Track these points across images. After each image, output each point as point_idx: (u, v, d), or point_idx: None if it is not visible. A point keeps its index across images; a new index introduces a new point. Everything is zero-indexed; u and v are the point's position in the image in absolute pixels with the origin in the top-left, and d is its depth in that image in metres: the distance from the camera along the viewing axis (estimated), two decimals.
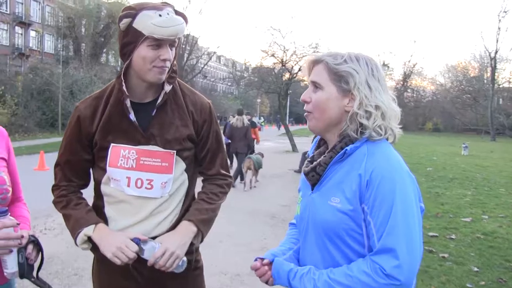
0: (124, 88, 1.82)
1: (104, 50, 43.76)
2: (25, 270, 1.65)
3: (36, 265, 1.72)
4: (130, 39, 1.76)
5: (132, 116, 1.85)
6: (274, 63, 24.61)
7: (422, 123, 70.82)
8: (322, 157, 1.59)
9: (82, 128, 1.90)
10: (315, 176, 1.58)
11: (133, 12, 1.75)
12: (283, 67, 24.02)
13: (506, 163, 19.84)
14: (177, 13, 1.81)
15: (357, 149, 1.52)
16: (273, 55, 23.89)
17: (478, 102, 56.79)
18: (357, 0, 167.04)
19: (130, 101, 1.86)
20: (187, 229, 1.88)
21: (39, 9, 42.52)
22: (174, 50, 1.83)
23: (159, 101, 1.87)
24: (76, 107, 1.94)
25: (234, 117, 12.49)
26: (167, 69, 1.82)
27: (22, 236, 1.62)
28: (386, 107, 1.52)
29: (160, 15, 1.73)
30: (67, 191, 1.95)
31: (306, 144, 22.15)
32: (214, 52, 51.62)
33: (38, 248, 1.70)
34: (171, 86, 1.89)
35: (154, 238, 1.84)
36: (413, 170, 1.47)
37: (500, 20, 50.26)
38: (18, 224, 1.61)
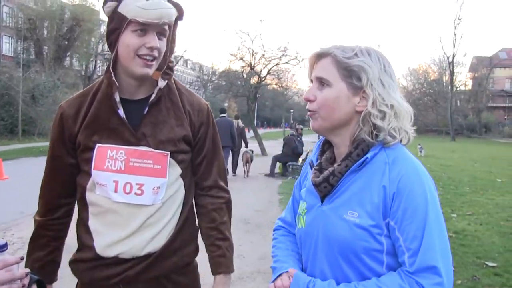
0: (113, 78, 1.66)
1: (68, 54, 42.74)
2: None
3: None
4: (115, 25, 1.62)
5: (121, 112, 1.69)
6: (243, 67, 24.65)
7: None
8: (335, 166, 1.42)
9: (65, 128, 1.74)
10: (327, 187, 1.41)
11: None
12: (252, 71, 24.06)
13: (467, 162, 20.54)
14: (170, 1, 1.66)
15: (376, 156, 1.37)
16: (242, 59, 23.91)
17: (438, 104, 58.60)
18: (321, 5, 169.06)
19: (120, 98, 1.70)
20: (226, 283, 1.84)
21: None
22: (166, 41, 1.67)
23: (152, 98, 1.71)
24: (60, 106, 1.79)
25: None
26: (154, 61, 1.64)
27: (26, 274, 1.33)
28: (400, 106, 1.38)
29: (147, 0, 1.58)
30: (47, 216, 1.79)
31: (275, 147, 22.13)
32: (181, 56, 51.34)
33: (42, 286, 1.44)
34: (166, 82, 1.73)
35: (149, 255, 1.69)
36: None
37: (455, 27, 51.68)
38: (22, 258, 1.36)
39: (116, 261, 1.67)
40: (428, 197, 1.30)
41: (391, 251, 1.33)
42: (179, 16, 1.71)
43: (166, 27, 1.65)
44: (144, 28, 1.59)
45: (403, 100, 1.41)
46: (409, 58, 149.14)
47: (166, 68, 1.74)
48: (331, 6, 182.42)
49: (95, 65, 48.49)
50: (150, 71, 1.65)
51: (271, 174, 14.25)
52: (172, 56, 1.79)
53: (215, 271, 1.83)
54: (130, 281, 1.67)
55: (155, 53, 1.63)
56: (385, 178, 1.32)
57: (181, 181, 1.77)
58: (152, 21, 1.57)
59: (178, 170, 1.76)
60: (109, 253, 1.68)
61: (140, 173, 1.68)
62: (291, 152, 14.45)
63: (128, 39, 1.60)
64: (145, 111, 1.72)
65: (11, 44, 41.89)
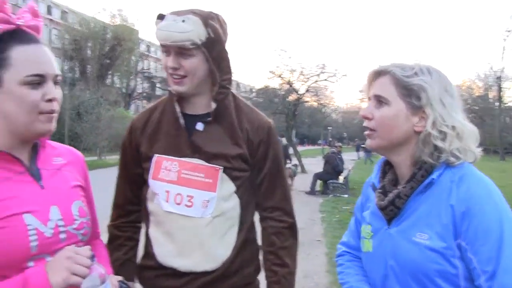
0: (172, 92, 1.75)
1: (110, 72, 44.15)
2: None
3: None
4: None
5: (182, 122, 1.73)
6: (281, 84, 24.62)
7: None
8: (400, 188, 1.38)
9: (133, 140, 1.84)
10: (394, 210, 1.37)
11: (164, 14, 1.69)
12: (290, 88, 24.01)
13: None
14: (209, 26, 1.63)
15: (441, 175, 1.32)
16: (280, 76, 23.88)
17: (484, 122, 56.41)
18: (361, 21, 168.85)
19: (182, 112, 1.75)
20: None
21: (46, 33, 42.96)
22: (195, 61, 1.65)
23: (209, 118, 1.73)
24: (132, 119, 1.91)
25: None
26: (185, 78, 1.66)
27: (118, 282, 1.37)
28: (463, 127, 1.34)
29: (174, 20, 1.62)
30: (120, 220, 1.89)
31: (314, 165, 21.89)
32: None
33: None
34: (217, 103, 1.73)
35: (207, 273, 1.68)
36: None
37: (504, 39, 49.80)
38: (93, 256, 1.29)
39: (176, 273, 1.70)
40: (502, 214, 1.24)
41: (467, 274, 1.26)
42: (216, 38, 1.66)
43: (191, 49, 1.63)
44: (166, 49, 1.66)
45: (467, 121, 1.39)
46: (451, 74, 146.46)
47: (220, 88, 1.72)
48: (369, 21, 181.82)
49: (135, 83, 49.73)
50: (181, 88, 1.68)
51: (312, 192, 14.07)
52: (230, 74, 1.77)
53: None
54: None
55: (180, 72, 1.66)
56: (453, 197, 1.28)
57: (236, 199, 1.74)
58: (161, 42, 1.65)
59: (232, 186, 1.73)
60: (168, 263, 1.71)
61: (191, 185, 1.70)
62: (332, 170, 14.29)
63: (162, 58, 1.71)
64: (201, 128, 1.74)
65: (59, 64, 43.21)
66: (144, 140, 1.81)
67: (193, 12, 1.66)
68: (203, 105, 1.76)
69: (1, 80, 1.24)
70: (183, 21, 1.62)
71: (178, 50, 1.64)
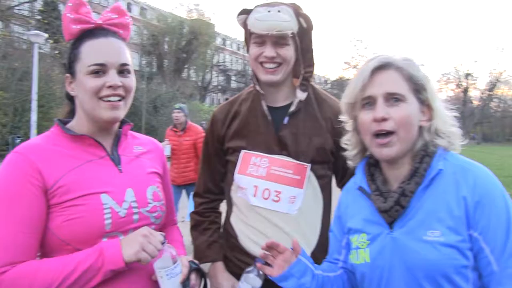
0: (257, 87, 1.78)
1: (186, 66, 45.33)
2: None
3: None
4: (245, 37, 1.78)
5: (269, 118, 1.78)
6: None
7: (509, 134, 66.69)
8: (404, 185, 1.31)
9: (214, 130, 1.92)
10: (399, 210, 1.30)
11: (249, 9, 1.73)
12: None
13: None
14: (301, 16, 1.69)
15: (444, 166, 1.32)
16: (355, 67, 23.59)
17: None
18: (436, 9, 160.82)
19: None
20: None
21: None
22: (290, 50, 1.71)
23: (292, 109, 1.77)
24: (213, 112, 1.98)
25: None
26: (279, 67, 1.71)
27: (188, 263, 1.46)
28: (443, 112, 1.37)
29: (269, 11, 1.66)
30: (202, 206, 1.99)
31: None
32: None
33: (201, 275, 1.51)
34: (306, 94, 1.77)
35: None
36: (505, 184, 1.29)
37: None
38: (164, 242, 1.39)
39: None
40: (507, 202, 1.24)
41: (474, 265, 1.24)
42: (308, 28, 1.72)
43: (287, 38, 1.67)
44: (262, 39, 1.68)
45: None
46: None
47: (302, 79, 1.76)
48: (445, 9, 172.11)
49: (211, 76, 50.78)
50: (275, 78, 1.72)
51: None
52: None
53: None
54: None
55: (277, 60, 1.69)
56: (463, 188, 1.25)
57: (320, 194, 1.79)
58: (261, 32, 1.65)
59: (317, 182, 1.78)
60: (253, 252, 1.75)
61: (279, 181, 1.74)
62: None
63: (251, 49, 1.73)
64: (286, 121, 1.77)
65: (136, 59, 45.57)
66: (229, 134, 1.85)
67: (285, 3, 1.69)
68: (283, 97, 1.80)
69: (75, 72, 1.39)
70: (279, 11, 1.64)
71: (275, 40, 1.67)
